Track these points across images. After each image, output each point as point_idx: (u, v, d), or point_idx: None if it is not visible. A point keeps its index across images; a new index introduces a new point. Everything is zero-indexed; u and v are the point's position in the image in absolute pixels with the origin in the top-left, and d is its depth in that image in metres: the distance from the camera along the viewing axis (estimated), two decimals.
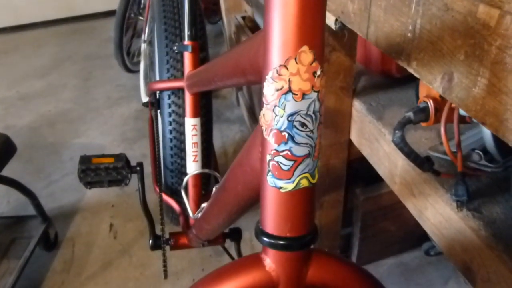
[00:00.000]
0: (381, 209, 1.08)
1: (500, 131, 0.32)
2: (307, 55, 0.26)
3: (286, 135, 0.28)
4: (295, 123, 0.27)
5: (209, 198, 0.80)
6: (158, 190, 0.94)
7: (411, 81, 0.86)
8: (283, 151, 0.28)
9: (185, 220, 0.91)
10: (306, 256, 0.31)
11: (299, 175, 0.28)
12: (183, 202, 0.87)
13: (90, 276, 1.24)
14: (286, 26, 0.26)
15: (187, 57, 0.82)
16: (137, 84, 2.10)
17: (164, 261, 0.89)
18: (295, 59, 0.26)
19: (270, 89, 0.27)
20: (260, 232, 0.31)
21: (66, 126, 1.96)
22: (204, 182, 0.92)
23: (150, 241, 0.89)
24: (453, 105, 0.62)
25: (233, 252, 1.03)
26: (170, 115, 0.94)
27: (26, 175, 1.64)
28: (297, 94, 0.27)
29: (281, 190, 0.29)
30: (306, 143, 0.28)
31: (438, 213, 0.65)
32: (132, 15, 2.13)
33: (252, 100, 1.65)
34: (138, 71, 2.15)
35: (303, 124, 0.27)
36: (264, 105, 0.28)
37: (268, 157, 0.29)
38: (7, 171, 1.17)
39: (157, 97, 1.06)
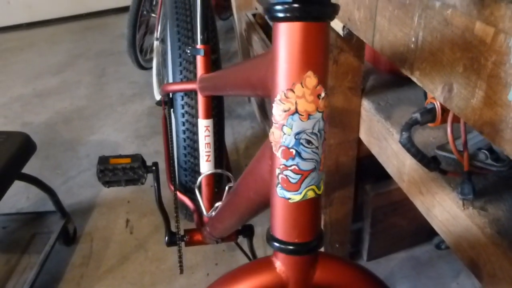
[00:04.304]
0: (391, 205, 1.10)
1: (496, 140, 0.34)
2: (311, 80, 0.28)
3: (294, 151, 0.30)
4: (301, 141, 0.30)
5: (221, 197, 0.83)
6: (172, 188, 0.98)
7: None
8: (291, 166, 0.31)
9: (199, 217, 0.94)
10: (313, 260, 0.34)
11: (306, 187, 0.31)
12: (197, 200, 0.90)
13: (108, 270, 1.29)
14: (292, 53, 0.28)
15: (200, 60, 0.85)
16: (150, 81, 2.13)
17: (180, 257, 0.93)
18: (301, 83, 0.29)
19: (278, 110, 0.30)
20: (271, 238, 0.34)
21: (81, 123, 2.01)
22: (217, 181, 0.95)
23: (166, 237, 0.92)
24: None
25: (246, 248, 1.06)
26: (183, 116, 0.97)
27: (44, 172, 1.70)
28: (303, 115, 0.29)
29: (289, 200, 0.32)
30: (312, 159, 0.31)
31: (445, 211, 0.67)
32: (145, 12, 2.16)
33: None
34: (150, 68, 2.18)
35: (309, 142, 0.30)
36: (273, 124, 0.31)
37: (277, 171, 0.31)
38: (25, 168, 1.21)
39: (170, 96, 1.10)
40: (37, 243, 1.29)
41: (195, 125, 0.95)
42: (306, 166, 0.31)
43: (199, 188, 0.89)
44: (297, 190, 0.31)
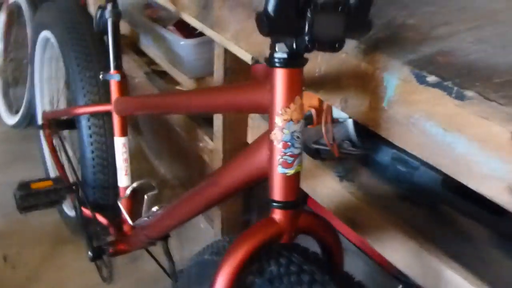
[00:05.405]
0: None
1: (377, 130, 0.59)
2: (299, 100, 0.49)
3: (290, 143, 0.50)
4: (294, 137, 0.50)
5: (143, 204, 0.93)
6: (84, 207, 1.02)
7: None
8: (288, 152, 0.50)
9: (118, 229, 1.02)
10: (298, 213, 0.54)
11: (296, 165, 0.51)
12: (117, 214, 0.98)
13: None
14: (288, 85, 0.49)
15: (115, 84, 0.93)
16: None
17: (101, 269, 0.98)
18: (293, 102, 0.49)
19: (280, 119, 0.49)
20: (271, 201, 0.53)
21: None
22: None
23: (90, 253, 0.97)
24: (326, 110, 0.91)
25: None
26: (91, 136, 1.02)
27: None
28: (295, 121, 0.50)
29: (286, 174, 0.51)
30: (300, 147, 0.51)
31: (327, 187, 0.92)
32: None
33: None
34: None
35: (298, 137, 0.50)
36: (276, 128, 0.50)
37: (278, 157, 0.51)
38: None
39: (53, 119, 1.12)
40: None
41: (104, 143, 1.02)
42: (297, 151, 0.51)
43: (122, 200, 0.97)
44: (291, 167, 0.51)
